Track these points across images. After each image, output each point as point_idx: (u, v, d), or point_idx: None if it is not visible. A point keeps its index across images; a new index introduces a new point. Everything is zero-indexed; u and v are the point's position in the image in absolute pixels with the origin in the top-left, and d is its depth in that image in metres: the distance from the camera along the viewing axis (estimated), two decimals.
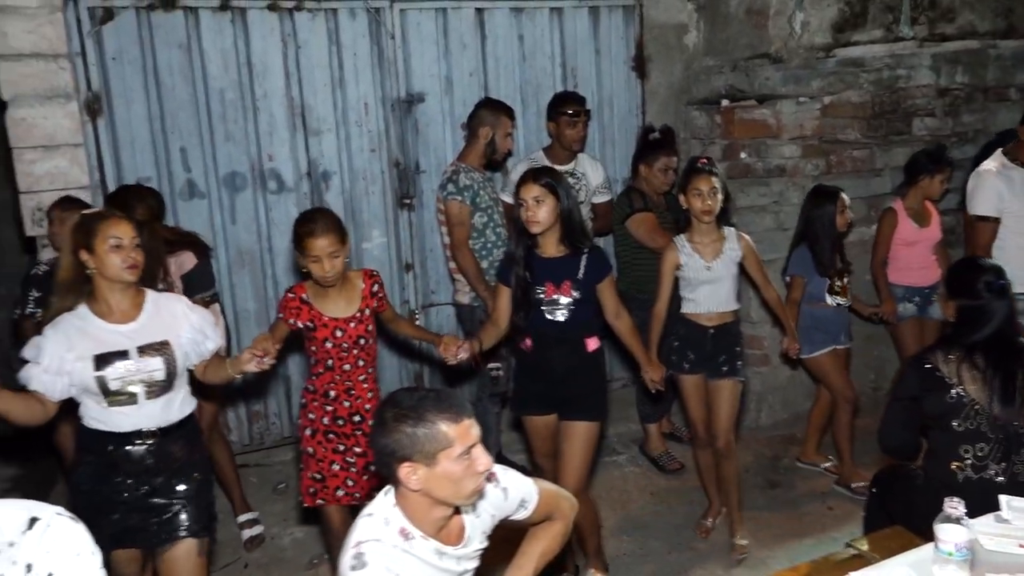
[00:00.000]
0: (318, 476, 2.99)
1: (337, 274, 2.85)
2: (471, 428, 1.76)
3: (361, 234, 4.40)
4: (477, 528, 1.96)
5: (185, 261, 3.42)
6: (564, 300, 3.02)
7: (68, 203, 3.48)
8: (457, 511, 1.90)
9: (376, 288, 3.00)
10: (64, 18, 3.70)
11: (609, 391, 3.34)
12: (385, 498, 1.85)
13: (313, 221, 2.84)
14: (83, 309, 2.50)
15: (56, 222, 3.45)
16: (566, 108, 4.14)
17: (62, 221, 3.46)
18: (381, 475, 1.80)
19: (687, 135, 4.98)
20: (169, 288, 3.19)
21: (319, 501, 3.01)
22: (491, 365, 3.84)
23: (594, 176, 4.30)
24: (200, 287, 3.45)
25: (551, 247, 3.03)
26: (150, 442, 2.52)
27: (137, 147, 3.96)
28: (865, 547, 2.40)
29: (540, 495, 2.10)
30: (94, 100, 3.85)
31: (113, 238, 2.44)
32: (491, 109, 3.95)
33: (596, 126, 4.76)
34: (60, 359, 2.43)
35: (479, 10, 4.49)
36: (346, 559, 1.74)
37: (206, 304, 3.27)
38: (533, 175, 2.99)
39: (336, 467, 2.98)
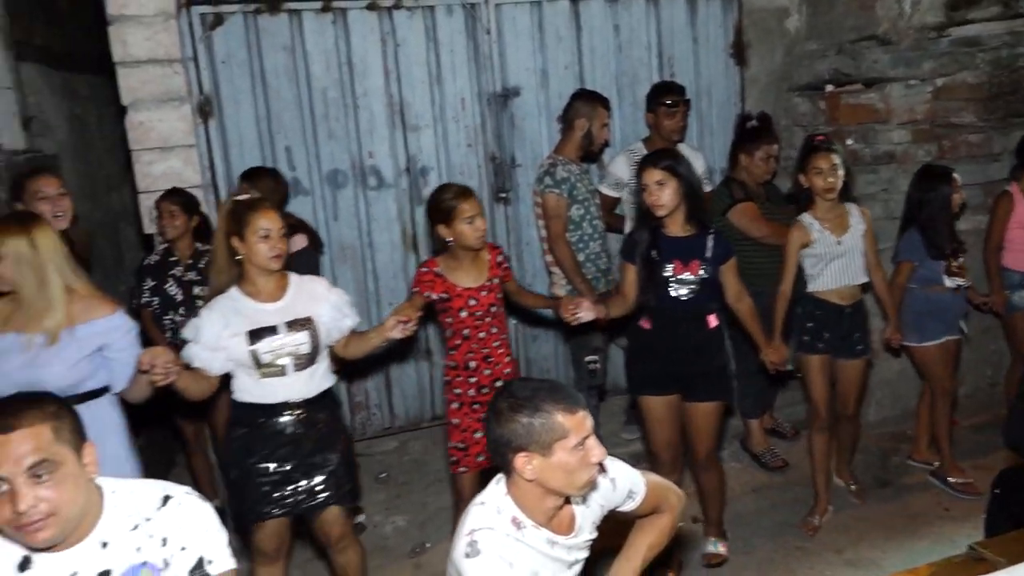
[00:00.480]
0: (461, 445, 3.18)
1: (484, 235, 3.08)
2: (585, 419, 1.76)
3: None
4: (587, 518, 1.95)
5: (295, 242, 3.55)
6: (691, 278, 3.08)
7: (173, 195, 3.66)
8: (567, 501, 1.89)
9: (501, 259, 3.22)
10: (178, 25, 3.87)
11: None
12: (496, 487, 1.86)
13: (455, 188, 3.13)
14: (234, 291, 2.70)
15: (165, 215, 3.65)
16: (665, 98, 4.08)
17: (171, 214, 3.64)
18: (499, 464, 1.82)
19: (789, 122, 4.84)
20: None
21: (461, 469, 3.19)
22: (588, 358, 3.83)
23: (694, 167, 4.22)
24: (304, 271, 3.57)
25: (678, 226, 3.09)
26: (297, 412, 2.70)
27: (245, 147, 4.11)
28: (989, 550, 2.28)
29: (648, 487, 2.08)
30: (205, 103, 4.02)
31: (262, 229, 2.62)
32: (587, 100, 3.92)
33: (694, 116, 4.66)
34: (217, 336, 2.63)
35: (574, 2, 4.47)
36: (460, 547, 1.76)
37: None
38: (653, 159, 3.08)
39: (478, 435, 3.13)
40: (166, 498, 1.68)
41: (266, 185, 3.57)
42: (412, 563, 3.59)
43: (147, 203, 3.88)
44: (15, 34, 4.00)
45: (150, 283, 3.74)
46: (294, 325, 2.67)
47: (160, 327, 3.73)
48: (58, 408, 1.57)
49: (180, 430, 3.91)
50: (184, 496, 1.70)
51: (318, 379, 2.75)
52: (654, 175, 3.01)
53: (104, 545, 1.60)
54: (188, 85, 3.93)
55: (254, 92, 4.10)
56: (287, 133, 4.18)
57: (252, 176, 3.66)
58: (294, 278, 2.79)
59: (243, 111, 4.10)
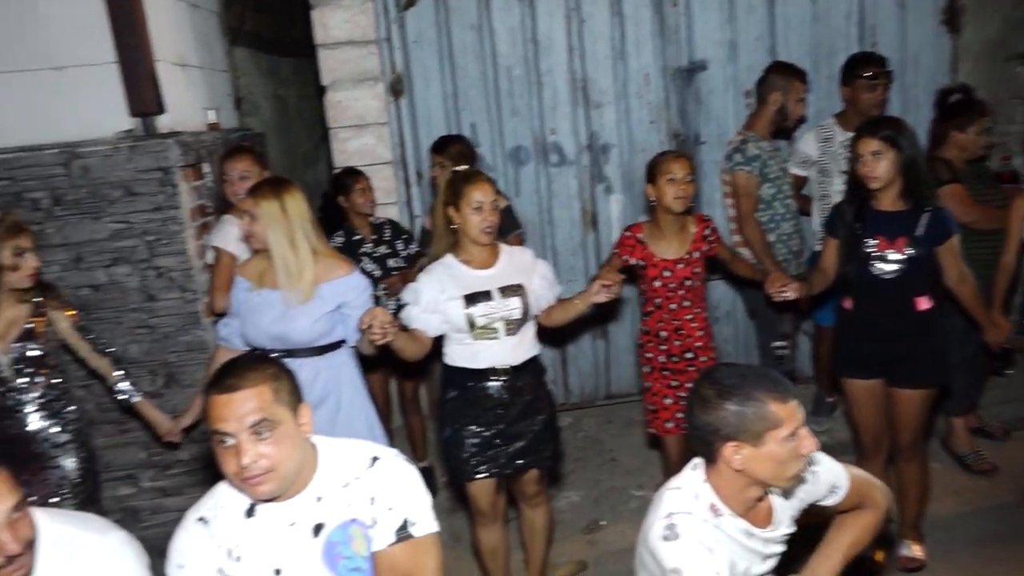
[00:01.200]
0: (651, 407, 3.23)
1: (685, 199, 3.04)
2: (797, 408, 1.68)
3: (639, 206, 4.38)
4: (786, 511, 1.87)
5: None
6: (895, 256, 2.87)
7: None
8: (765, 493, 1.82)
9: (708, 232, 3.16)
10: (373, 7, 4.03)
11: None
12: (694, 473, 1.82)
13: (674, 151, 3.23)
14: (450, 258, 2.78)
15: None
16: (864, 70, 3.80)
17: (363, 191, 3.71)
18: (701, 452, 1.77)
19: (1006, 94, 4.40)
20: None
21: (650, 430, 3.30)
22: (776, 344, 3.67)
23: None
24: (511, 228, 3.66)
25: (889, 201, 2.90)
26: (503, 378, 2.76)
27: (433, 124, 4.23)
28: None
29: (851, 481, 1.96)
30: (397, 81, 4.16)
31: (476, 201, 2.66)
32: (782, 73, 3.73)
33: (897, 89, 4.32)
34: (435, 300, 2.71)
35: None
36: (656, 529, 1.73)
37: (520, 241, 3.65)
38: (870, 128, 2.87)
39: (668, 400, 3.17)
40: (374, 459, 1.76)
41: (456, 151, 3.59)
42: (586, 539, 3.60)
43: None
44: (229, 21, 4.31)
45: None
46: (507, 291, 2.73)
47: None
48: (277, 371, 1.68)
49: (400, 390, 4.05)
50: (392, 458, 1.77)
51: (526, 346, 2.80)
52: (870, 145, 2.81)
53: (319, 499, 1.70)
54: (382, 65, 4.09)
55: (442, 71, 4.20)
56: (473, 110, 4.26)
57: (442, 146, 3.67)
58: (504, 248, 2.85)
59: (432, 89, 4.21)
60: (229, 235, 3.17)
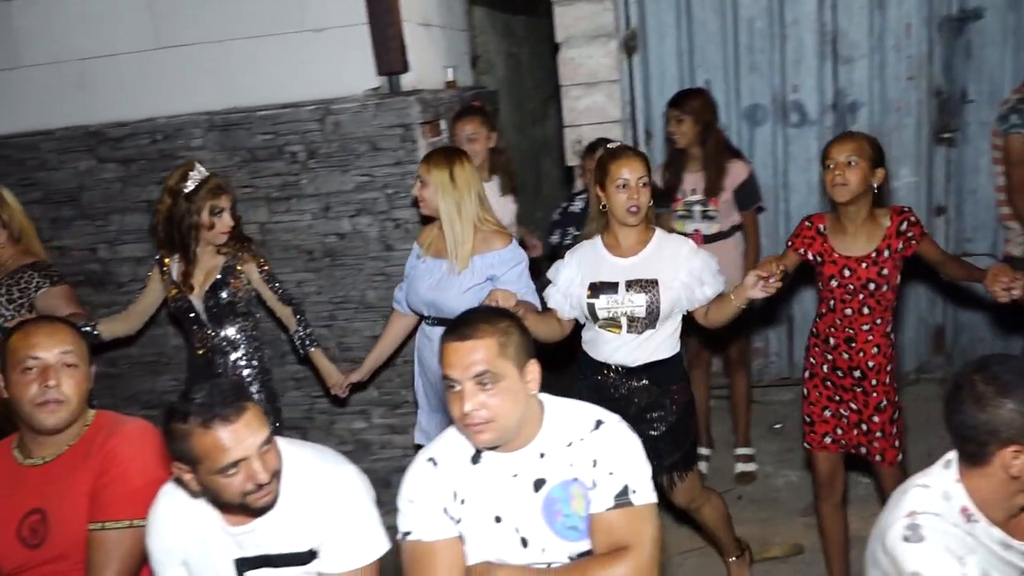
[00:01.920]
0: (808, 419, 2.83)
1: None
2: None
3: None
4: None
5: (738, 172, 3.51)
6: None
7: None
8: None
9: (905, 227, 2.63)
10: None
11: None
12: (945, 471, 1.64)
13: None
14: (598, 239, 2.67)
15: (588, 170, 3.48)
16: None
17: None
18: (966, 451, 1.59)
19: None
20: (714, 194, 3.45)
21: (805, 445, 2.88)
22: None
23: None
24: (748, 201, 3.52)
25: None
26: (618, 375, 2.65)
27: (666, 81, 4.11)
28: None
29: None
30: (631, 38, 4.07)
31: (621, 178, 2.51)
32: None
33: None
34: (570, 282, 2.64)
35: None
36: (897, 528, 1.59)
37: (753, 218, 3.54)
38: None
39: (827, 413, 2.78)
40: (599, 422, 1.75)
41: (696, 105, 3.45)
42: (803, 522, 3.42)
43: (571, 137, 4.08)
44: None
45: (573, 232, 3.62)
46: (634, 285, 2.55)
47: None
48: (508, 326, 1.70)
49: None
50: (616, 424, 1.76)
51: (651, 347, 2.61)
52: None
53: (542, 455, 1.72)
54: (616, 21, 4.01)
55: (678, 25, 4.06)
56: (708, 67, 4.08)
57: (679, 100, 3.52)
58: (659, 235, 2.63)
59: (666, 45, 4.08)
60: None
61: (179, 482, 1.71)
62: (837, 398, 2.76)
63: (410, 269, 2.91)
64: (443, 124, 3.61)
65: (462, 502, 1.73)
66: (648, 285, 2.54)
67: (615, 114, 4.06)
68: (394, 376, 3.55)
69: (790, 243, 2.81)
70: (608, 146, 2.68)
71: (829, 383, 2.77)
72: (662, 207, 3.63)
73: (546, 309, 2.70)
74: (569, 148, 4.10)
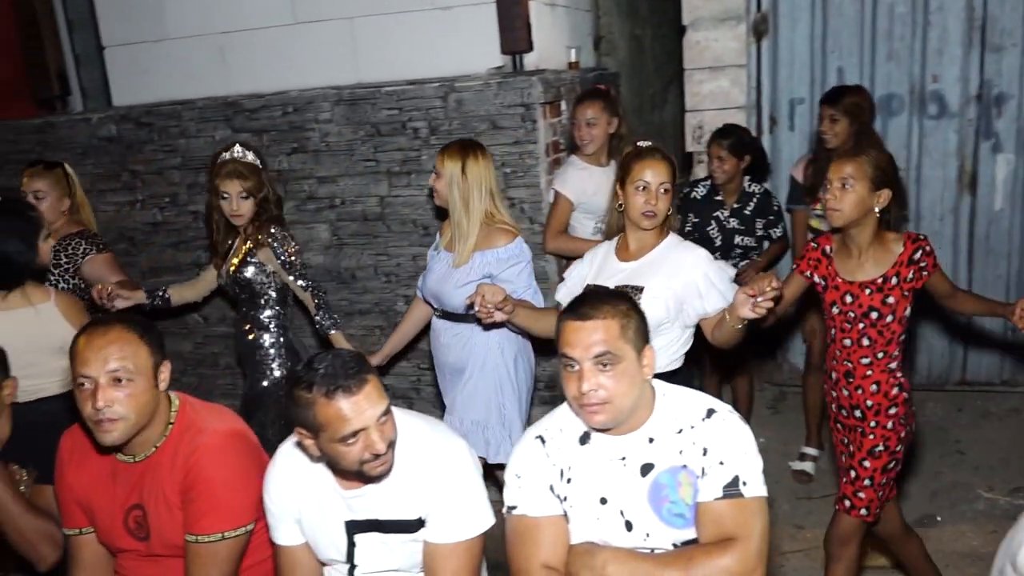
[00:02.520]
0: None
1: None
2: None
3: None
4: None
5: None
6: None
7: (723, 136, 3.46)
8: None
9: (919, 256, 2.40)
10: None
11: None
12: None
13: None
14: (614, 241, 2.57)
15: (715, 158, 3.45)
16: None
17: (720, 158, 3.45)
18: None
19: None
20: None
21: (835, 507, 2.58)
22: None
23: None
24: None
25: None
26: None
27: (796, 67, 3.97)
28: None
29: None
30: (761, 21, 3.95)
31: (642, 181, 2.39)
32: None
33: None
34: (582, 280, 2.55)
35: None
36: None
37: None
38: None
39: (844, 458, 2.58)
40: (711, 411, 1.72)
41: (850, 104, 3.26)
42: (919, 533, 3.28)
43: (692, 122, 4.00)
44: None
45: (692, 219, 3.63)
46: (625, 290, 2.41)
47: None
48: (629, 308, 1.70)
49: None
50: (728, 413, 1.73)
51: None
52: None
53: (651, 440, 1.71)
54: (747, 3, 3.90)
55: (812, 9, 3.91)
56: (842, 53, 3.91)
57: (835, 97, 3.31)
58: (669, 241, 2.47)
59: (798, 30, 3.93)
60: (570, 179, 3.28)
61: (299, 445, 1.78)
62: (845, 440, 2.58)
63: (429, 259, 2.95)
64: (564, 105, 3.60)
65: (568, 481, 1.74)
66: (634, 292, 2.37)
67: (739, 100, 3.96)
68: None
69: (795, 265, 2.65)
70: (637, 144, 2.54)
71: (839, 425, 2.60)
72: (800, 203, 3.52)
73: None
74: (690, 134, 4.03)
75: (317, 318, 3.10)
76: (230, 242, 3.12)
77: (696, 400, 1.76)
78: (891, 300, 2.41)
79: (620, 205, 2.48)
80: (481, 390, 2.78)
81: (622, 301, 1.71)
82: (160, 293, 3.25)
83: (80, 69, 4.39)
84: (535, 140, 3.39)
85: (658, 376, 2.33)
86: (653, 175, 2.39)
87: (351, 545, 1.83)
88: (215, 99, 3.79)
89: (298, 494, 1.84)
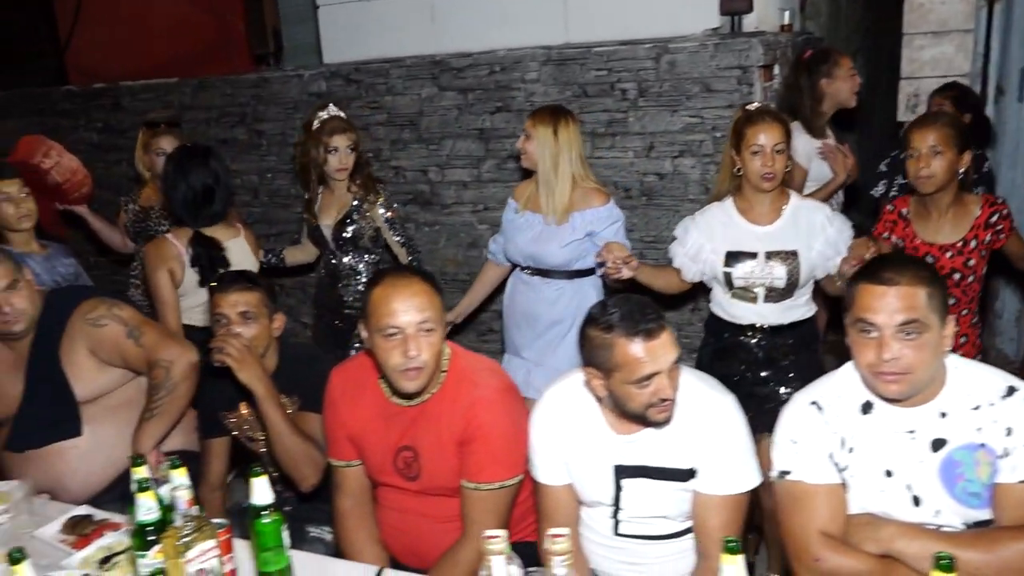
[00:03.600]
0: None
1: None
2: None
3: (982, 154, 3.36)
4: None
5: None
6: None
7: (947, 90, 3.37)
8: None
9: (995, 219, 2.58)
10: None
11: None
12: None
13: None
14: (728, 201, 2.61)
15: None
16: None
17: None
18: None
19: None
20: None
21: None
22: None
23: None
24: None
25: None
26: (760, 336, 2.61)
27: None
28: None
29: None
30: None
31: (756, 144, 2.46)
32: None
33: None
34: (699, 247, 2.62)
35: None
36: None
37: None
38: None
39: None
40: (1011, 389, 1.64)
41: None
42: None
43: (907, 90, 3.80)
44: None
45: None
46: (774, 256, 2.51)
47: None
48: (932, 276, 1.63)
49: None
50: None
51: (792, 312, 2.59)
52: None
53: (943, 415, 1.65)
54: None
55: None
56: None
57: None
58: (794, 201, 2.56)
59: None
60: (800, 147, 3.14)
61: (586, 385, 1.82)
62: None
63: (507, 223, 3.02)
64: (776, 69, 3.49)
65: (850, 450, 1.70)
66: (788, 256, 2.50)
67: (963, 67, 3.72)
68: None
69: (874, 230, 2.75)
70: (746, 108, 2.61)
71: None
72: None
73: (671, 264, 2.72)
74: (903, 103, 3.84)
75: None
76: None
77: (993, 377, 1.68)
78: (972, 263, 2.60)
79: (738, 170, 2.55)
80: None
81: (924, 267, 1.65)
82: (276, 253, 3.44)
83: (292, 27, 4.59)
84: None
85: (805, 321, 2.63)
86: (767, 137, 2.47)
87: (618, 489, 1.87)
88: (423, 57, 3.88)
89: (567, 435, 1.89)
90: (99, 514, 2.05)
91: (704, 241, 2.62)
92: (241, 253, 3.04)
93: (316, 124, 3.17)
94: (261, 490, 1.66)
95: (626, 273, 2.53)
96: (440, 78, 3.85)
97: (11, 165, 3.19)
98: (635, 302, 1.74)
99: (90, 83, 4.91)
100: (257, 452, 2.44)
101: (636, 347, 1.69)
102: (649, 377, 1.70)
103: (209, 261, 2.93)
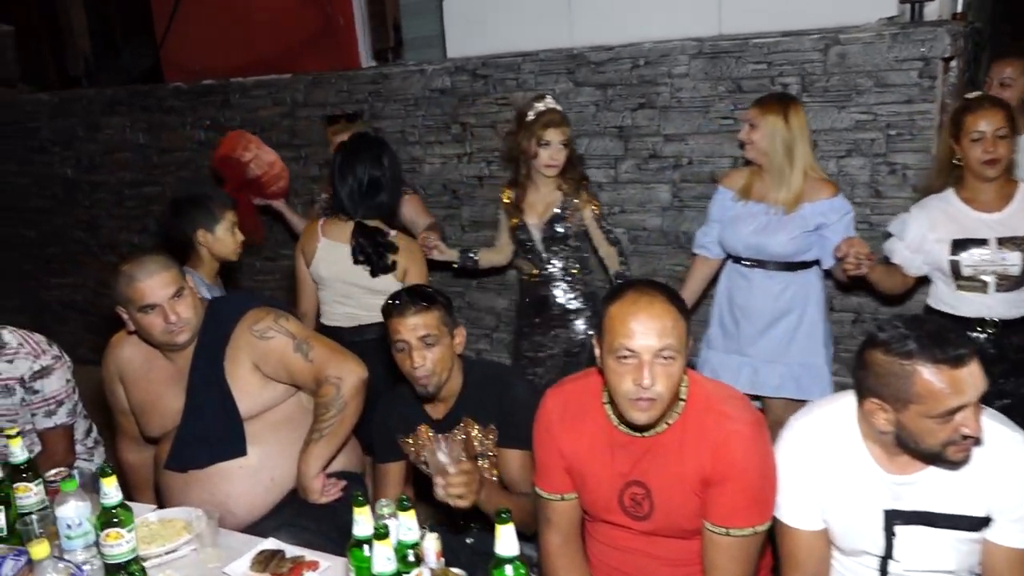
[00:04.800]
0: None
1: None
2: None
3: None
4: None
5: None
6: None
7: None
8: None
9: None
10: None
11: None
12: None
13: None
14: (949, 193, 2.56)
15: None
16: None
17: None
18: None
19: None
20: None
21: None
22: None
23: None
24: None
25: None
26: (991, 331, 2.52)
27: None
28: None
29: None
30: None
31: (976, 131, 2.43)
32: None
33: None
34: (921, 238, 2.55)
35: None
36: None
37: None
38: None
39: None
40: None
41: None
42: None
43: None
44: None
45: None
46: (1007, 243, 2.45)
47: None
48: None
49: None
50: None
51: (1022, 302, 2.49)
52: None
53: None
54: None
55: None
56: None
57: None
58: (1022, 188, 2.51)
59: None
60: None
61: (866, 417, 1.59)
62: None
63: (723, 212, 2.89)
64: (954, 62, 3.21)
65: None
66: (1021, 242, 2.43)
67: None
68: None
69: None
70: (965, 96, 2.58)
71: None
72: None
73: (887, 261, 2.67)
74: None
75: (616, 278, 3.09)
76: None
77: None
78: None
79: (959, 159, 2.51)
80: (816, 332, 2.83)
81: None
82: (471, 255, 3.28)
83: (413, 20, 4.41)
84: (932, 99, 3.04)
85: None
86: (987, 123, 2.43)
87: (890, 537, 1.64)
88: (559, 51, 3.67)
89: (824, 473, 1.68)
90: (290, 549, 1.87)
91: (926, 231, 2.57)
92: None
93: (531, 115, 3.03)
94: (508, 540, 1.46)
95: (863, 270, 2.49)
96: (576, 73, 3.64)
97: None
98: (935, 324, 1.53)
99: (186, 79, 4.79)
100: None
101: (942, 377, 1.47)
102: (954, 411, 1.48)
103: (375, 249, 2.86)
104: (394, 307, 2.11)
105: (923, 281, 2.75)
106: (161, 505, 2.29)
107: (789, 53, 3.22)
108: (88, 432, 2.89)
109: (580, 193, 3.07)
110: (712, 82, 3.37)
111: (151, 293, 2.13)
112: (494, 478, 2.18)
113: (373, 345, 2.74)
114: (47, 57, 6.00)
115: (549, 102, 3.05)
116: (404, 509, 1.53)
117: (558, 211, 3.06)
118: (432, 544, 1.50)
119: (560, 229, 3.06)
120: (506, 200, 3.20)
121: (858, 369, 1.59)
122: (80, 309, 5.59)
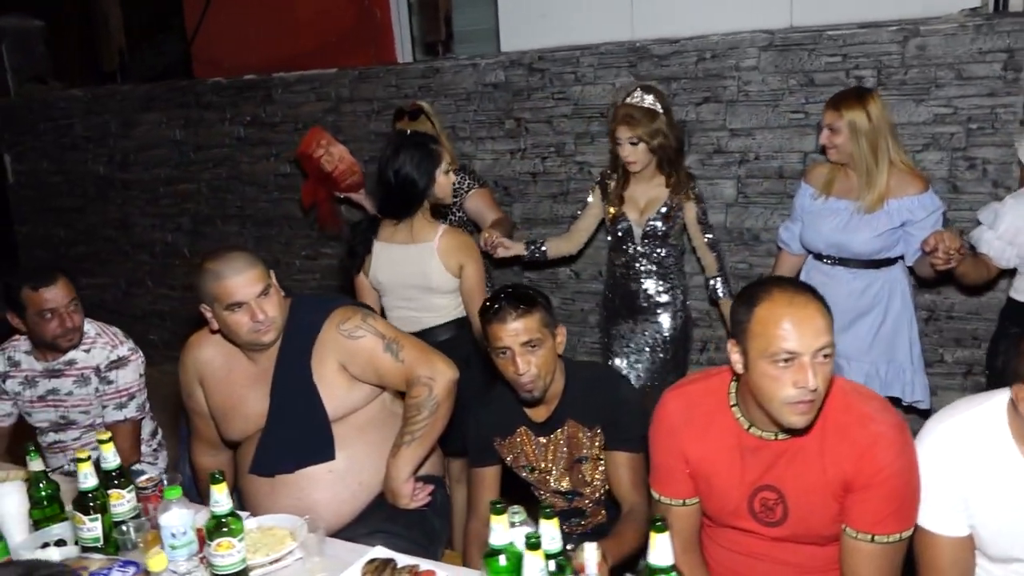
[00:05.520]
0: None
1: None
2: None
3: None
4: None
5: None
6: None
7: None
8: None
9: None
10: None
11: None
12: None
13: None
14: None
15: None
16: None
17: None
18: None
19: None
20: None
21: None
22: None
23: None
24: None
25: None
26: None
27: None
28: None
29: None
30: None
31: None
32: None
33: None
34: (1015, 229, 2.45)
35: None
36: None
37: None
38: None
39: None
40: None
41: None
42: None
43: None
44: None
45: None
46: None
47: None
48: None
49: None
50: None
51: None
52: None
53: None
54: None
55: None
56: None
57: None
58: None
59: None
60: None
61: (1019, 402, 1.50)
62: None
63: (804, 208, 2.81)
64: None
65: None
66: None
67: None
68: None
69: None
70: None
71: None
72: None
73: (974, 251, 2.59)
74: None
75: (713, 282, 3.04)
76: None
77: None
78: None
79: None
80: (901, 328, 2.75)
81: None
82: (538, 245, 3.18)
83: (465, 12, 4.33)
84: (1017, 92, 2.96)
85: None
86: None
87: None
88: (620, 44, 3.59)
89: (970, 475, 1.58)
90: (400, 558, 1.79)
91: (1020, 222, 2.49)
92: (416, 262, 2.77)
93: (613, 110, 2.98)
94: (662, 549, 1.38)
95: (953, 264, 2.40)
96: (638, 66, 3.55)
97: None
98: None
99: (216, 75, 4.70)
100: (539, 485, 2.17)
101: None
102: None
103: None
104: (493, 312, 2.02)
105: (1003, 274, 2.69)
106: (242, 510, 2.20)
107: (865, 45, 3.14)
108: (153, 434, 2.82)
109: (685, 192, 2.97)
110: (783, 75, 3.29)
111: (238, 291, 2.05)
112: (596, 481, 2.11)
113: (444, 348, 2.65)
114: (77, 52, 5.89)
115: (635, 97, 2.92)
116: (548, 517, 1.44)
117: (664, 209, 2.96)
118: (593, 554, 1.42)
119: (662, 227, 2.97)
120: (608, 187, 3.08)
121: (1012, 358, 1.50)
122: (110, 309, 5.48)
